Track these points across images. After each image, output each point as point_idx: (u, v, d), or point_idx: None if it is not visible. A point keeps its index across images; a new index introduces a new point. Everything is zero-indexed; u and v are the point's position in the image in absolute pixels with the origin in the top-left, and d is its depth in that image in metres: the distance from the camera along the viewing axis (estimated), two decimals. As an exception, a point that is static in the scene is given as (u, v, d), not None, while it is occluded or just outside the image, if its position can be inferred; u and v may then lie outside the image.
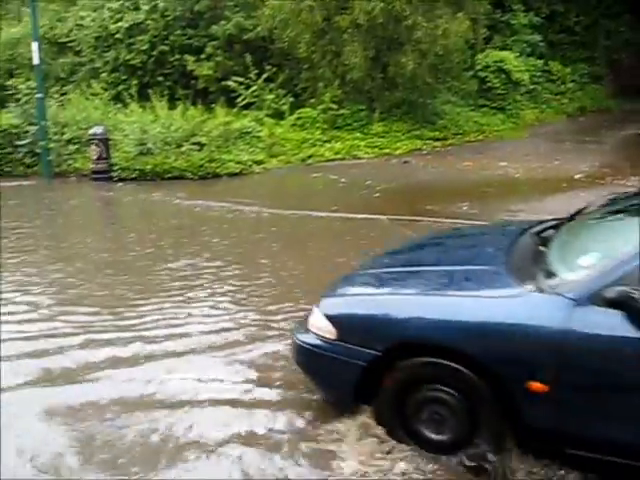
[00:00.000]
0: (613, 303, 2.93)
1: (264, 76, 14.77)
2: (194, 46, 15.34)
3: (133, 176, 12.58)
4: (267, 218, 9.28)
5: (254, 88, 14.62)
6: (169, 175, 12.36)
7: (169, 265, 6.93)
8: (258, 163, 13.09)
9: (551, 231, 4.05)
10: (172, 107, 13.94)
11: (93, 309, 5.69)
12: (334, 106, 14.67)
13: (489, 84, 17.18)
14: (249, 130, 13.69)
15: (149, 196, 11.17)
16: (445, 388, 3.29)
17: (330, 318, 3.59)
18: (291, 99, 14.84)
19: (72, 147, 13.65)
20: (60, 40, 16.21)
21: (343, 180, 11.86)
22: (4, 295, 6.04)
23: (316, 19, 14.14)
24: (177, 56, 15.17)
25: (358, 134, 14.54)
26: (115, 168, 12.72)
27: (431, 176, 12.23)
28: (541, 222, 4.28)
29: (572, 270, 3.28)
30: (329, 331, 3.57)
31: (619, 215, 3.81)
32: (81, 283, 6.42)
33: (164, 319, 5.35)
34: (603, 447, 3.11)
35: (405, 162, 13.37)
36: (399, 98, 14.94)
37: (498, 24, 18.28)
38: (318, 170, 12.81)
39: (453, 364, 3.23)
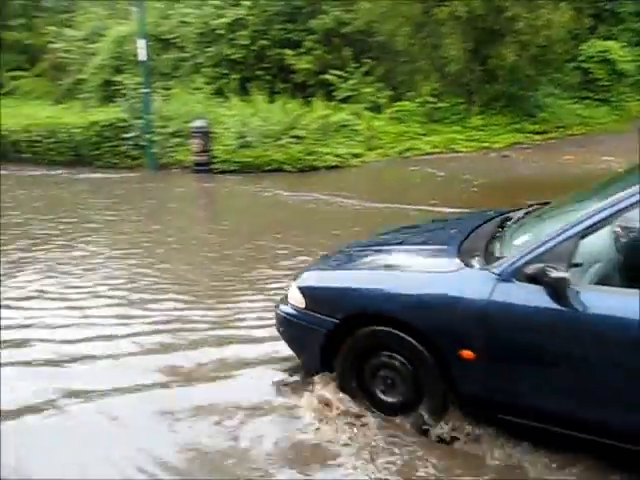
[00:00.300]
0: (532, 278, 3.22)
1: (362, 69, 14.84)
2: (293, 40, 15.52)
3: (233, 168, 12.89)
4: (365, 211, 9.31)
5: (352, 81, 14.71)
6: (268, 168, 12.60)
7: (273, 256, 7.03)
8: (356, 156, 13.16)
9: (521, 217, 4.28)
10: (271, 101, 14.19)
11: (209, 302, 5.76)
12: (432, 99, 14.58)
13: (593, 75, 16.66)
14: (347, 123, 13.78)
15: (249, 188, 11.42)
16: (395, 355, 3.67)
17: (301, 290, 4.02)
18: (389, 92, 14.82)
19: (175, 140, 14.10)
20: (164, 37, 16.71)
21: (441, 174, 11.78)
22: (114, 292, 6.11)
23: (415, 12, 14.07)
24: (276, 50, 15.39)
25: (456, 127, 14.40)
26: (216, 160, 13.06)
27: (531, 170, 11.97)
28: (519, 209, 4.53)
29: (507, 250, 3.59)
30: (300, 301, 4.00)
31: (577, 204, 3.85)
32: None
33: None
34: (528, 413, 3.39)
35: (504, 156, 13.15)
36: (499, 91, 14.70)
37: (603, 13, 17.66)
38: (416, 164, 12.77)
39: (401, 333, 3.58)
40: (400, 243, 4.59)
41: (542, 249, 3.28)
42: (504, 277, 3.33)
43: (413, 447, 3.45)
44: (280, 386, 4.12)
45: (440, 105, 14.66)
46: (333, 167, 12.67)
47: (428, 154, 13.53)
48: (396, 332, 3.60)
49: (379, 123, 14.18)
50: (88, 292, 6.00)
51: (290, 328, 4.14)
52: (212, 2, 16.00)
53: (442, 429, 3.49)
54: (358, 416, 3.66)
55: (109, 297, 5.86)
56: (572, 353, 3.23)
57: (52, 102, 19.36)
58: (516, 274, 3.30)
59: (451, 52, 13.89)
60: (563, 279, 3.13)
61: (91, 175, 14.01)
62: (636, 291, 3.04)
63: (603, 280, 3.34)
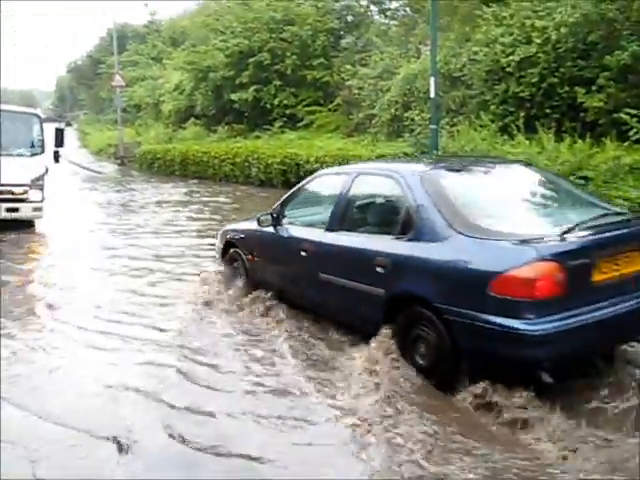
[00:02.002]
0: (268, 221, 7.22)
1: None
2: (584, 77, 15.09)
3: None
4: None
5: (649, 121, 13.91)
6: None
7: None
8: (649, 201, 12.43)
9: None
10: (559, 139, 13.94)
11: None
12: None
13: None
14: (641, 165, 13.08)
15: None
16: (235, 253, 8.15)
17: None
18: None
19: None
20: (453, 74, 17.19)
21: None
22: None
23: None
24: (566, 88, 15.05)
25: None
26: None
27: None
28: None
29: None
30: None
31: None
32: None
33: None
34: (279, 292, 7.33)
35: None
36: None
37: None
38: None
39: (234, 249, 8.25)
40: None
41: (277, 209, 7.27)
42: (276, 223, 7.20)
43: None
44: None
45: None
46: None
47: None
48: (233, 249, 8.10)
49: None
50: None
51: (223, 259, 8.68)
52: (502, 40, 16.14)
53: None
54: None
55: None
56: (280, 255, 7.18)
57: (343, 135, 20.82)
58: (280, 220, 7.20)
59: None
60: (270, 221, 7.18)
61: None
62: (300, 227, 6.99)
63: (305, 224, 7.05)
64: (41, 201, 13.50)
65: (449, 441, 4.29)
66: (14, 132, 13.65)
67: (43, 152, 13.83)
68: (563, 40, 15.27)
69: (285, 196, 7.34)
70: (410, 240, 5.34)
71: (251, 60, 26.37)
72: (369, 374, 5.23)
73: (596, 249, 4.81)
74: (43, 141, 13.88)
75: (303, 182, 7.37)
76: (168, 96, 36.03)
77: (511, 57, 15.58)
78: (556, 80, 15.00)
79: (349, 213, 6.25)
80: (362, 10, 25.99)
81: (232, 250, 7.99)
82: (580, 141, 13.68)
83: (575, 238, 4.79)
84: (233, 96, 27.16)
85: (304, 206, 7.37)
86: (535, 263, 4.51)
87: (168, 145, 30.08)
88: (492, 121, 15.52)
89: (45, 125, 14.46)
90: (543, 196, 6.05)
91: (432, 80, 14.96)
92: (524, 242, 4.68)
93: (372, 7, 26.20)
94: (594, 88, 14.81)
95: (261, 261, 7.53)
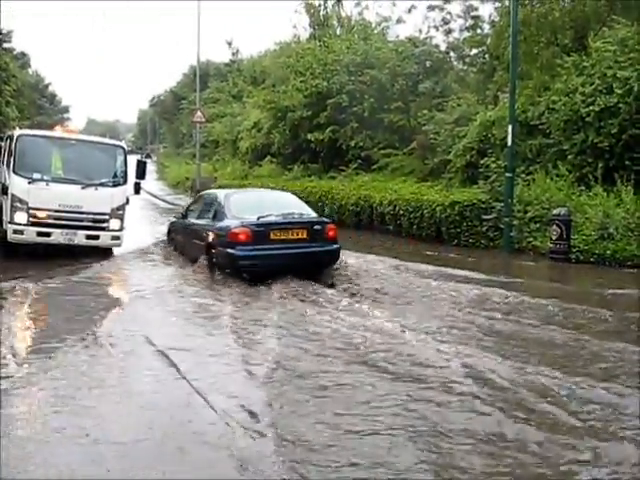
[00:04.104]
0: (180, 216, 14.83)
1: None
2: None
3: (591, 260, 12.70)
4: None
5: None
6: (629, 263, 12.17)
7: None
8: None
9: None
10: (638, 192, 13.70)
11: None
12: None
13: None
14: None
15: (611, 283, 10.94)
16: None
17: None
18: None
19: (533, 225, 14.35)
20: (531, 123, 17.12)
21: None
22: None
23: None
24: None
25: None
26: (574, 250, 12.99)
27: None
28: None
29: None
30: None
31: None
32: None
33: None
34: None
35: None
36: None
37: None
38: None
39: None
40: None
41: (184, 211, 14.53)
42: (184, 217, 14.05)
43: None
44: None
45: None
46: None
47: None
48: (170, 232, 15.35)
49: None
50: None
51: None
52: (582, 89, 16.02)
53: None
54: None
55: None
56: (184, 235, 13.49)
57: (417, 179, 20.90)
58: (183, 217, 14.16)
59: None
60: (181, 217, 14.37)
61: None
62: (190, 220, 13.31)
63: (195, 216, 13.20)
64: (120, 230, 13.94)
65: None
66: (100, 162, 14.20)
67: (125, 183, 14.27)
68: (645, 91, 15.04)
69: (188, 204, 14.94)
70: (214, 220, 11.85)
71: (329, 101, 26.85)
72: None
73: (270, 225, 10.87)
74: (126, 172, 14.34)
75: (195, 197, 15.65)
76: (246, 133, 36.93)
77: (591, 107, 15.41)
78: (637, 131, 14.74)
79: (201, 211, 13.00)
80: (441, 56, 26.19)
81: (170, 233, 14.87)
82: (662, 196, 13.43)
83: (261, 220, 10.89)
84: (310, 136, 27.67)
85: (195, 209, 13.71)
86: (240, 227, 10.76)
87: (244, 181, 30.74)
88: (569, 171, 15.35)
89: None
90: (274, 205, 11.91)
91: (510, 128, 14.98)
92: (242, 220, 10.95)
93: (451, 53, 26.43)
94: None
95: (176, 236, 14.25)
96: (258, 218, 10.84)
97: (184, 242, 13.35)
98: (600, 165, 14.84)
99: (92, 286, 10.91)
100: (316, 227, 11.20)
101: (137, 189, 15.00)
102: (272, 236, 10.71)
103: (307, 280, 10.46)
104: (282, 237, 10.79)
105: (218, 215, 11.72)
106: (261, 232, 10.65)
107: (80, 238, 13.38)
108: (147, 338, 7.50)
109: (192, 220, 13.06)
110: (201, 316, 8.90)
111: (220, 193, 12.85)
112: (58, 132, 14.80)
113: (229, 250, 10.64)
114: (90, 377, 6.20)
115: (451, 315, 8.68)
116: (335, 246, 11.35)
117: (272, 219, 11.03)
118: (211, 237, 11.40)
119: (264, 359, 6.72)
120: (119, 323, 8.44)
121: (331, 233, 11.33)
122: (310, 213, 12.06)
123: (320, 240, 11.10)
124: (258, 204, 11.89)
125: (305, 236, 10.98)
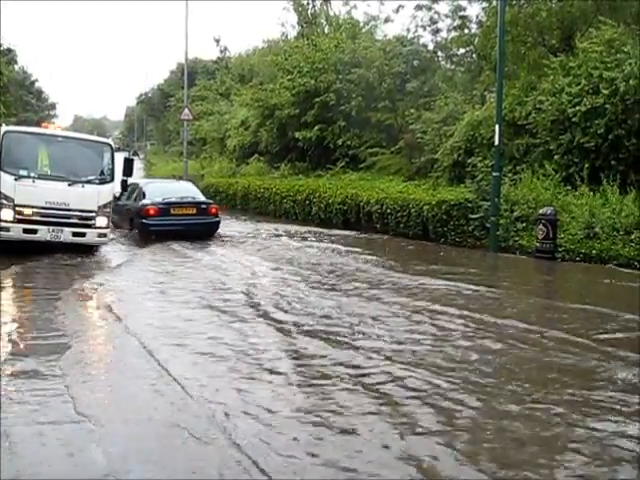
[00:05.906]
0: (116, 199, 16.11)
1: None
2: (654, 129, 14.92)
3: (577, 259, 12.78)
4: None
5: None
6: (614, 262, 12.25)
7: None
8: None
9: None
10: (623, 192, 13.80)
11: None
12: None
13: None
14: None
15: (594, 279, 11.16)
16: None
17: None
18: None
19: (519, 225, 14.43)
20: (518, 122, 17.20)
21: None
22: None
23: None
24: (633, 140, 14.89)
25: None
26: (560, 249, 13.07)
27: None
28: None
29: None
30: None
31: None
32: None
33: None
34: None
35: None
36: None
37: None
38: None
39: None
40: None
41: (119, 195, 16.65)
42: (119, 200, 16.81)
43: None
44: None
45: None
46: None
47: None
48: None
49: None
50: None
51: None
52: (569, 89, 16.11)
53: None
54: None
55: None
56: (117, 212, 16.61)
57: (404, 178, 20.94)
58: (118, 200, 16.78)
59: None
60: (116, 199, 15.89)
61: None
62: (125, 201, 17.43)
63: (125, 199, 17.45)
64: (107, 227, 13.89)
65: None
66: (87, 160, 14.12)
67: (112, 180, 14.20)
68: (631, 92, 15.13)
69: (122, 191, 15.97)
70: (135, 201, 16.99)
71: (317, 100, 26.90)
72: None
73: (171, 204, 16.38)
74: (113, 170, 14.24)
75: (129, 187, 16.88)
76: (234, 131, 36.85)
77: (577, 107, 15.50)
78: (623, 132, 14.84)
79: (129, 196, 17.14)
80: (429, 55, 26.27)
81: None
82: (646, 195, 13.54)
83: (165, 200, 16.41)
84: (297, 134, 27.68)
85: (125, 194, 16.99)
86: (150, 205, 16.23)
87: (231, 179, 30.70)
88: (555, 171, 15.44)
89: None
90: (176, 191, 17.59)
91: (497, 128, 15.03)
92: (153, 200, 16.44)
93: (439, 53, 26.50)
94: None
95: (113, 214, 14.94)
96: (163, 199, 16.40)
97: (118, 217, 16.97)
98: (586, 165, 14.93)
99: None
100: (202, 206, 16.94)
101: (124, 187, 15.01)
102: (172, 211, 16.33)
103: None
104: (179, 212, 16.42)
105: (138, 198, 16.95)
106: (165, 208, 16.21)
107: (66, 235, 13.33)
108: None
109: (123, 202, 17.23)
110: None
111: (141, 182, 18.77)
112: (45, 129, 14.72)
113: (143, 220, 16.14)
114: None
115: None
116: (216, 219, 17.12)
117: (172, 200, 16.54)
118: (133, 212, 16.77)
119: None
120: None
121: (213, 210, 17.09)
122: (201, 197, 17.85)
123: (205, 214, 16.83)
124: (165, 190, 17.47)
125: (195, 212, 16.68)
